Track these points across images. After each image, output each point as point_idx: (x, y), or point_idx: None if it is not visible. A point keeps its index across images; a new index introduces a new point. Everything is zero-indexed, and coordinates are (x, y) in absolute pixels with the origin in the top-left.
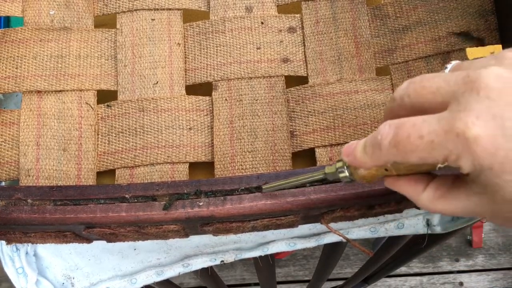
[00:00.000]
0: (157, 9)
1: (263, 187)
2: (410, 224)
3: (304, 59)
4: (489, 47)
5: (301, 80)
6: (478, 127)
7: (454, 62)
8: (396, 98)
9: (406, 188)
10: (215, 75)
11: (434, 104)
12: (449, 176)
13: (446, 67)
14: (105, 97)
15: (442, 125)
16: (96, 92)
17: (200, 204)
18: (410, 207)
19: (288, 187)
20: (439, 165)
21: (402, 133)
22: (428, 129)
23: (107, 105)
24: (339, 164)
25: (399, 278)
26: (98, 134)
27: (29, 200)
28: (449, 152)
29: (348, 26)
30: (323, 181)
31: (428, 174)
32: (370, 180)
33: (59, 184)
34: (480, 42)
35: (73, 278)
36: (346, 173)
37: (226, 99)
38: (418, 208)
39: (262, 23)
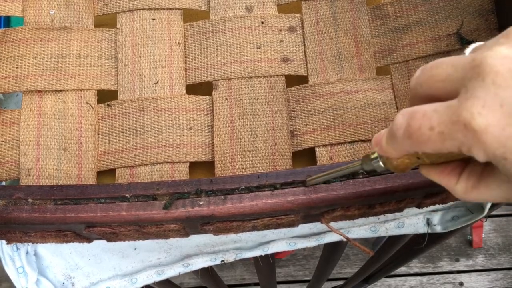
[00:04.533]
0: (157, 9)
1: (307, 180)
2: (410, 223)
3: (304, 58)
4: None
5: (301, 80)
6: (484, 117)
7: (474, 45)
8: (411, 89)
9: (440, 179)
10: (215, 74)
11: (445, 92)
12: (479, 164)
13: (465, 52)
14: (105, 96)
15: (450, 115)
16: (96, 91)
17: (201, 203)
18: (410, 206)
19: (329, 178)
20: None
21: (414, 124)
22: (438, 120)
23: (108, 105)
24: (374, 155)
25: (399, 278)
26: (98, 134)
27: (29, 200)
28: (460, 143)
29: (348, 26)
30: (362, 173)
31: (462, 161)
32: (403, 169)
33: (59, 184)
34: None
35: (74, 277)
36: (380, 163)
37: (226, 99)
38: (419, 207)
39: (262, 22)
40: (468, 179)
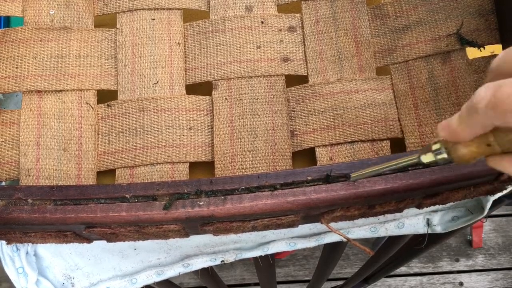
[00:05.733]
0: (157, 9)
1: (352, 175)
2: (410, 223)
3: (304, 58)
4: (489, 47)
5: (301, 80)
6: None
7: None
8: (492, 69)
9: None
10: (215, 74)
11: None
12: None
13: None
14: (105, 97)
15: None
16: (96, 92)
17: (201, 203)
18: (410, 207)
19: (376, 173)
20: None
21: (501, 93)
22: None
23: (107, 105)
24: (436, 146)
25: (399, 278)
26: (98, 134)
27: (29, 200)
28: None
29: (348, 26)
30: (416, 166)
31: None
32: (469, 159)
33: (59, 184)
34: (477, 46)
35: (73, 278)
36: (444, 154)
37: (226, 99)
38: (419, 208)
39: (262, 22)
40: None
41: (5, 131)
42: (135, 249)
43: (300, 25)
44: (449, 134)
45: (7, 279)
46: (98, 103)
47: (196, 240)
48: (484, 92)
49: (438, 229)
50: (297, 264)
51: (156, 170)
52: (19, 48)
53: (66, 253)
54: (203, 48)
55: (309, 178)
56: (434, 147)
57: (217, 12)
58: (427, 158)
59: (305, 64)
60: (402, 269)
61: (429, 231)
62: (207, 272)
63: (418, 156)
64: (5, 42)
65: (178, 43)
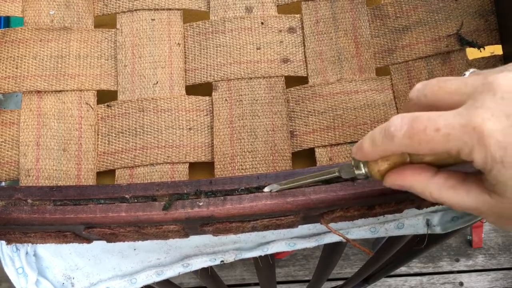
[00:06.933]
0: (157, 9)
1: (279, 186)
2: (410, 224)
3: (304, 59)
4: (489, 48)
5: (301, 80)
6: (493, 123)
7: (472, 70)
8: (412, 98)
9: (415, 175)
10: (215, 75)
11: (450, 102)
12: (460, 172)
13: (465, 74)
14: (105, 97)
15: (459, 119)
16: (96, 92)
17: (200, 204)
18: (410, 207)
19: (299, 186)
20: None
21: (418, 125)
22: (445, 122)
23: (107, 105)
24: (355, 163)
25: (399, 278)
26: (98, 134)
27: (29, 200)
28: (464, 144)
29: (348, 26)
30: (337, 180)
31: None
32: (383, 172)
33: (59, 184)
34: (477, 46)
35: (73, 278)
36: (362, 170)
37: (226, 99)
38: (419, 208)
39: (262, 23)
40: (447, 178)
41: (5, 131)
42: (134, 249)
43: (300, 26)
44: (361, 156)
45: (7, 279)
46: (98, 103)
47: (196, 240)
48: (400, 122)
49: (438, 230)
50: (297, 264)
51: (156, 171)
52: (19, 48)
53: (66, 253)
54: (203, 49)
55: None
56: (354, 161)
57: (217, 12)
58: (346, 172)
59: (305, 65)
60: (402, 269)
61: (429, 232)
62: (207, 272)
63: (338, 169)
64: (5, 42)
65: (178, 43)
